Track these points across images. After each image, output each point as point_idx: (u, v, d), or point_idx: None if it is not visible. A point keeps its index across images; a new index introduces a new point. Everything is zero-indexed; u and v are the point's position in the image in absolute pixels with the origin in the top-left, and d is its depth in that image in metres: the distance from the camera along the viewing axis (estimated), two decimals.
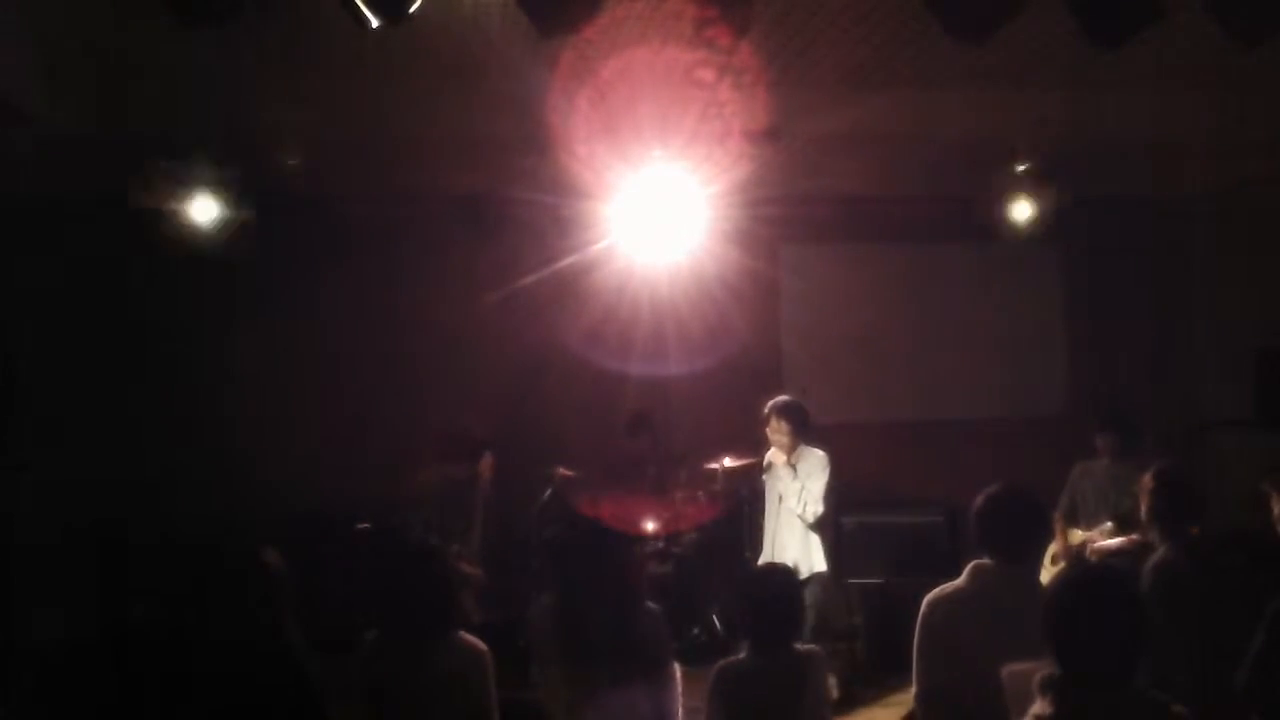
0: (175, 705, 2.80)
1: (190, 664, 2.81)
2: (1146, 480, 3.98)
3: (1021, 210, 7.39)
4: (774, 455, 5.67)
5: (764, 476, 5.86)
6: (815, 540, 5.72)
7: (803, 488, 5.63)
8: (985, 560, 3.45)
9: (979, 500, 3.50)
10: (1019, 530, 3.45)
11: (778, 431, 5.67)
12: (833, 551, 5.90)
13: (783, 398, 5.77)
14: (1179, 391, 8.00)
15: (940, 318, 8.03)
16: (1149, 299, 8.11)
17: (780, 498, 5.74)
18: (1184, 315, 8.19)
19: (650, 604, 3.88)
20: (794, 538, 5.72)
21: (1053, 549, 6.41)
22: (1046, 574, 6.27)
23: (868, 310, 7.91)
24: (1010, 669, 2.99)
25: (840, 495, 7.23)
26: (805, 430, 5.73)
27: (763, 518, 5.96)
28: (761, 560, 5.73)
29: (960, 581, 3.46)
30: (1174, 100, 5.49)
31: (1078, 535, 6.32)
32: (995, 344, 8.05)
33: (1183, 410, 7.86)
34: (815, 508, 5.63)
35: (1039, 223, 7.47)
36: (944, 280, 8.06)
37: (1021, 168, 6.52)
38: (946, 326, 8.02)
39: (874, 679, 6.46)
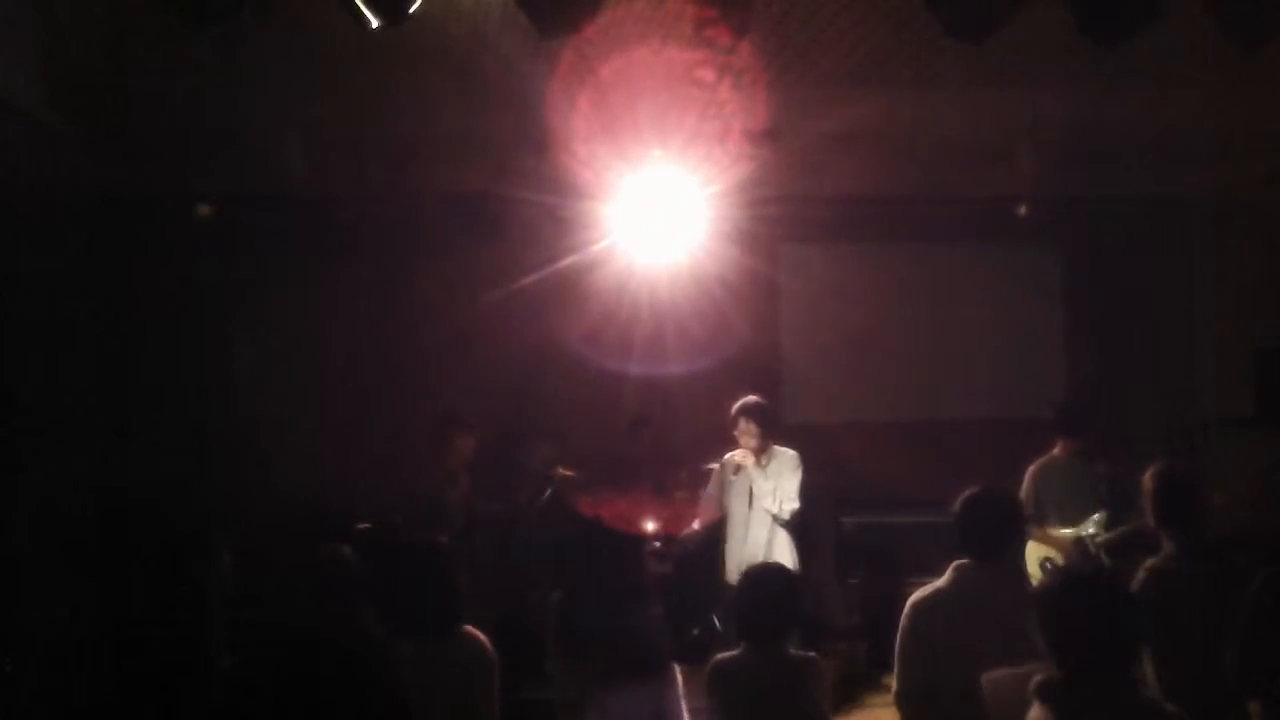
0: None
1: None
2: (1147, 480, 3.93)
3: (1021, 210, 7.40)
4: (742, 457, 5.67)
5: (731, 478, 5.80)
6: (784, 539, 5.72)
7: (775, 487, 5.64)
8: (965, 560, 3.53)
9: (957, 502, 3.61)
10: (995, 529, 3.56)
11: (747, 433, 5.67)
12: (832, 551, 5.88)
13: (750, 398, 5.75)
14: (1179, 391, 8.00)
15: (940, 318, 8.02)
16: (1149, 299, 8.10)
17: (751, 499, 5.69)
18: (1184, 315, 8.19)
19: (653, 608, 3.92)
20: (764, 538, 5.72)
21: (1040, 553, 6.31)
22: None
23: (868, 310, 7.91)
24: (990, 676, 2.98)
25: (840, 495, 7.28)
26: (774, 429, 5.74)
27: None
28: (732, 562, 5.70)
29: (942, 582, 3.54)
30: (1174, 100, 5.49)
31: (1065, 533, 6.23)
32: (995, 344, 8.05)
33: (1183, 410, 7.87)
34: (791, 505, 5.65)
35: (1039, 223, 7.48)
36: (944, 280, 8.05)
37: (1021, 167, 6.52)
38: (947, 326, 8.01)
39: (874, 679, 6.47)
